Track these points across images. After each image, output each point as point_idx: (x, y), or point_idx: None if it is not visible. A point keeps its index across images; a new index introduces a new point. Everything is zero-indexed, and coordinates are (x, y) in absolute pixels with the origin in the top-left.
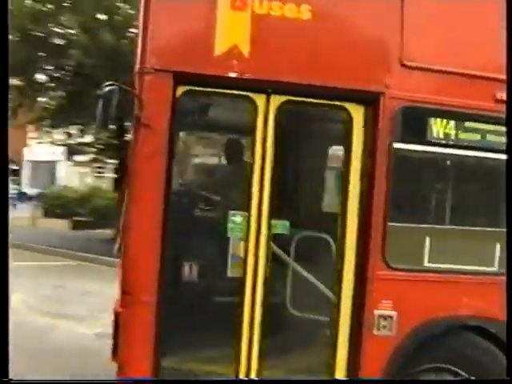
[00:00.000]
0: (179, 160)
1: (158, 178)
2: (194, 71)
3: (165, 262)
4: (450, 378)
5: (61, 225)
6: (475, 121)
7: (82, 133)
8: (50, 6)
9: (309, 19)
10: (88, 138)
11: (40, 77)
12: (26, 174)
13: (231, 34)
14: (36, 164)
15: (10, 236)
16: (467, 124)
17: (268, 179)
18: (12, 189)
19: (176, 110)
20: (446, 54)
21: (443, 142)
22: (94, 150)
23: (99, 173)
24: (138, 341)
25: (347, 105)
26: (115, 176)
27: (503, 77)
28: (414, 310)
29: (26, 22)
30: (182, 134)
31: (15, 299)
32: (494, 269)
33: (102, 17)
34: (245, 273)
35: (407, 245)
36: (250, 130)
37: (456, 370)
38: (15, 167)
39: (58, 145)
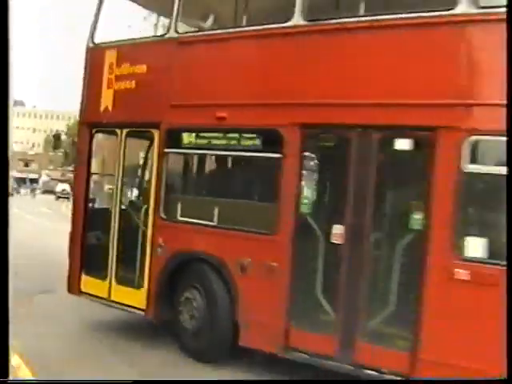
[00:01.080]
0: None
1: (85, 173)
2: (95, 121)
3: (89, 208)
4: (196, 293)
5: None
6: (206, 132)
7: None
8: None
9: (133, 88)
10: None
11: None
12: None
13: (105, 100)
14: None
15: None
16: (201, 134)
17: (121, 174)
18: None
19: (92, 140)
20: (195, 94)
21: (189, 146)
22: None
23: None
24: (75, 252)
25: (152, 130)
26: None
27: (223, 102)
28: (172, 244)
29: None
30: (94, 153)
31: None
32: (214, 223)
33: None
34: (111, 218)
35: (171, 207)
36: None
37: (198, 286)
38: None
39: None
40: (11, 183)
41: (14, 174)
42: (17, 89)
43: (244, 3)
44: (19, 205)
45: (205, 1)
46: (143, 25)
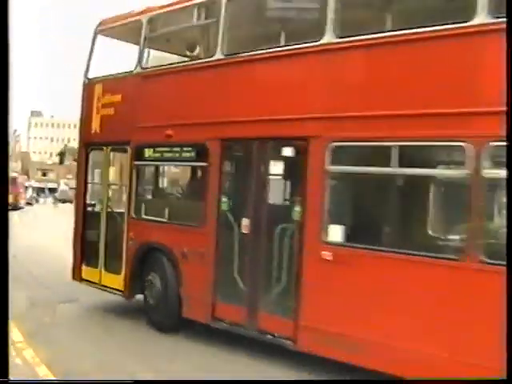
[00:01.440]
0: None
1: (82, 183)
2: (89, 141)
3: (86, 210)
4: (155, 275)
5: None
6: (159, 147)
7: None
8: None
9: (113, 114)
10: None
11: None
12: None
13: (95, 124)
14: None
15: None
16: (157, 149)
17: (107, 183)
18: None
19: (88, 156)
20: (152, 117)
21: (149, 159)
22: None
23: None
24: (77, 247)
25: (126, 146)
26: None
27: (171, 123)
28: (139, 237)
29: None
30: (90, 166)
31: None
32: (164, 220)
33: None
34: (100, 219)
35: (138, 207)
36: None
37: (156, 270)
38: None
39: None
40: (30, 192)
41: (32, 183)
42: (34, 99)
43: (191, 42)
44: (38, 213)
45: (166, 41)
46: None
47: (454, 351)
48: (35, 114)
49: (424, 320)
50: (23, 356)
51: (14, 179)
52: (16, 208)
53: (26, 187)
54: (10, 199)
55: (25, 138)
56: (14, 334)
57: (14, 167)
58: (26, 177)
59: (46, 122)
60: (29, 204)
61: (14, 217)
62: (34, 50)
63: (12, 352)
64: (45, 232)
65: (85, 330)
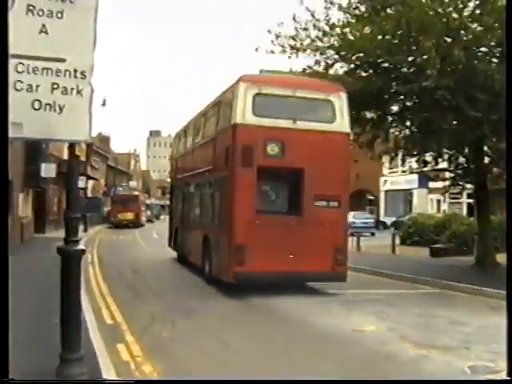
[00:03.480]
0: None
1: (170, 202)
2: (172, 183)
3: (171, 217)
4: (177, 238)
5: (419, 252)
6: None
7: (437, 159)
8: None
9: (173, 171)
10: (443, 164)
11: (393, 108)
12: (382, 203)
13: (172, 175)
14: (392, 193)
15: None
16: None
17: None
18: (370, 218)
19: (172, 189)
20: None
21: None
22: (450, 175)
23: (454, 198)
24: (169, 231)
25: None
26: (470, 201)
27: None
28: (174, 224)
29: (379, 54)
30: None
31: (381, 327)
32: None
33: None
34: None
35: (174, 211)
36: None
37: (177, 236)
38: (372, 197)
39: (413, 173)
40: (152, 209)
41: (152, 201)
42: (153, 119)
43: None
44: (158, 229)
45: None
46: None
47: None
48: (154, 133)
49: None
50: (142, 370)
51: (136, 197)
52: (138, 225)
53: (147, 205)
54: (131, 217)
55: (144, 157)
56: (134, 348)
57: (135, 186)
58: (146, 195)
59: (165, 141)
60: (149, 221)
61: (135, 234)
62: (154, 75)
63: (131, 366)
64: (163, 247)
65: (201, 344)
